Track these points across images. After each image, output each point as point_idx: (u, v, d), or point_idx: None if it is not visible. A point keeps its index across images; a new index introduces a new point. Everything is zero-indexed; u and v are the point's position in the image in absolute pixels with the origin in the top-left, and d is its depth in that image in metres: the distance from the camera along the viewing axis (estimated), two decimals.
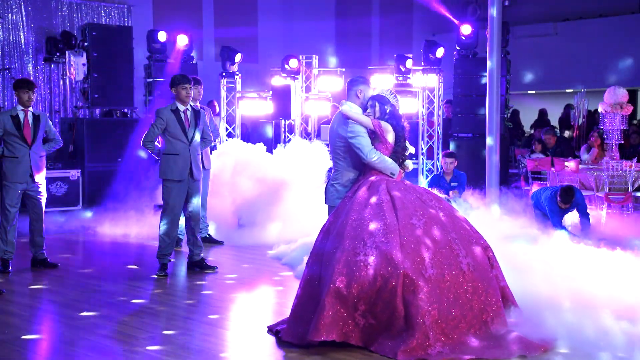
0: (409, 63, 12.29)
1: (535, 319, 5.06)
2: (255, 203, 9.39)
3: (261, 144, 10.67)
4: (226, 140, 11.53)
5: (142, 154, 10.96)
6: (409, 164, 5.60)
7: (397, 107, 5.49)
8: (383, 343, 4.69)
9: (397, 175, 5.34)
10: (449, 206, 5.33)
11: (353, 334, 4.77)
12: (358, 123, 5.35)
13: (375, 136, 5.35)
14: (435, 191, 9.38)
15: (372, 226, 4.91)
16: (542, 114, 17.14)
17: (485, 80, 9.55)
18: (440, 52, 12.39)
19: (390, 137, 5.36)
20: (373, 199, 5.08)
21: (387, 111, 5.41)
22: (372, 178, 5.28)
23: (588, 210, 9.03)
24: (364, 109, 5.47)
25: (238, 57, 13.06)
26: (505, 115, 12.69)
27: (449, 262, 4.84)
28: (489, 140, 9.35)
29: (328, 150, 7.06)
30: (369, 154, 5.27)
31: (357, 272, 4.77)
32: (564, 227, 8.66)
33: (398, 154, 5.39)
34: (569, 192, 8.59)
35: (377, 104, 5.43)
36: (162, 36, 12.64)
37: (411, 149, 5.68)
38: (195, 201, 7.23)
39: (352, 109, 5.45)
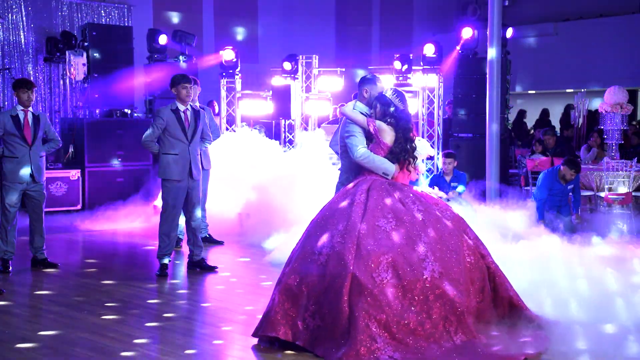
0: (408, 63, 12.29)
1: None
2: (261, 200, 9.36)
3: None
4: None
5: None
6: (420, 167, 5.52)
7: (401, 107, 5.35)
8: (330, 348, 4.53)
9: (395, 175, 5.23)
10: (439, 212, 5.07)
11: (302, 335, 4.67)
12: (354, 122, 5.34)
13: (371, 136, 5.31)
14: (436, 190, 9.40)
15: (334, 226, 4.85)
16: (544, 113, 17.14)
17: (485, 80, 9.54)
18: (430, 50, 12.31)
19: (387, 137, 5.26)
20: (347, 199, 5.01)
21: (388, 111, 5.32)
22: (361, 178, 5.22)
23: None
24: (371, 109, 5.45)
25: (230, 55, 12.99)
26: (506, 115, 12.69)
27: (410, 267, 4.67)
28: (489, 138, 9.35)
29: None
30: (356, 152, 5.23)
31: (310, 271, 4.75)
32: (542, 217, 8.72)
33: (396, 155, 5.26)
34: (576, 161, 8.87)
35: (378, 105, 5.37)
36: (162, 39, 12.65)
37: (430, 151, 5.63)
38: (195, 201, 7.22)
39: (356, 108, 5.45)
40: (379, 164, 5.23)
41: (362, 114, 5.42)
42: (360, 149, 5.24)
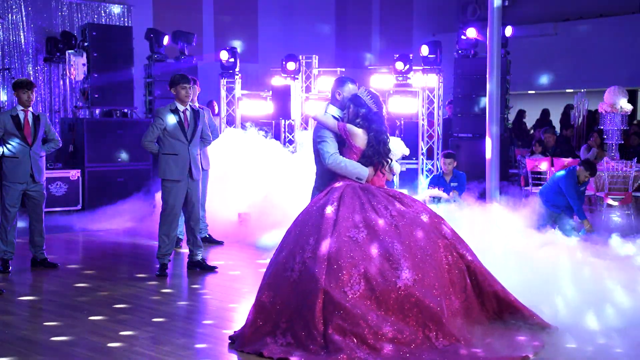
0: (409, 63, 12.30)
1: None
2: (264, 201, 9.34)
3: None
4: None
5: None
6: (395, 167, 5.40)
7: (375, 109, 5.20)
8: (307, 357, 4.45)
9: (368, 178, 5.11)
10: (414, 214, 4.95)
11: (274, 351, 4.57)
12: (325, 127, 5.19)
13: (343, 140, 5.15)
14: (437, 190, 9.40)
15: (306, 240, 4.77)
16: (545, 113, 17.14)
17: (485, 80, 9.53)
18: (426, 50, 12.32)
19: (359, 141, 5.12)
20: (319, 210, 4.91)
21: (360, 113, 5.15)
22: (336, 184, 5.09)
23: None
24: (344, 110, 5.28)
25: (230, 55, 13.02)
26: (506, 115, 12.69)
27: (383, 277, 4.60)
28: (489, 141, 9.33)
29: None
30: (327, 159, 5.09)
31: (282, 287, 4.70)
32: (585, 216, 8.84)
33: (369, 158, 5.12)
34: (593, 164, 9.00)
35: (351, 106, 5.20)
36: (165, 40, 12.76)
37: (404, 151, 5.54)
38: (195, 201, 7.23)
39: (328, 111, 5.29)
40: (351, 169, 5.09)
41: (334, 117, 5.27)
42: (333, 156, 5.09)
